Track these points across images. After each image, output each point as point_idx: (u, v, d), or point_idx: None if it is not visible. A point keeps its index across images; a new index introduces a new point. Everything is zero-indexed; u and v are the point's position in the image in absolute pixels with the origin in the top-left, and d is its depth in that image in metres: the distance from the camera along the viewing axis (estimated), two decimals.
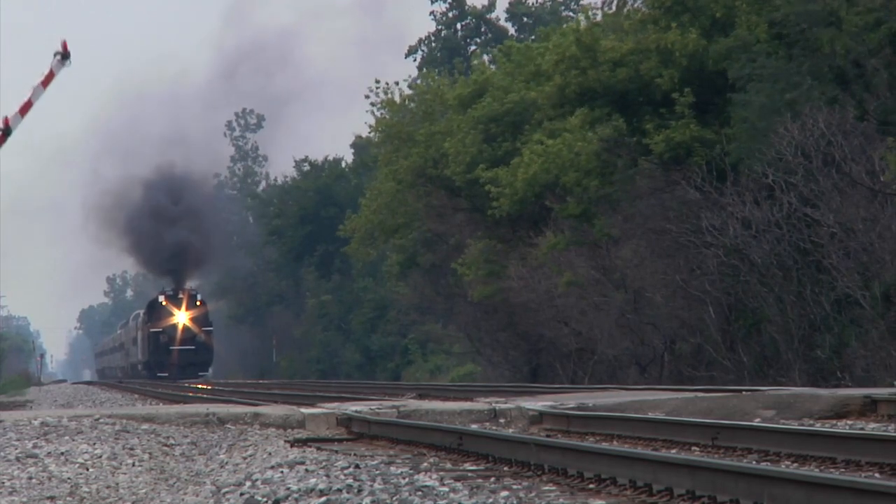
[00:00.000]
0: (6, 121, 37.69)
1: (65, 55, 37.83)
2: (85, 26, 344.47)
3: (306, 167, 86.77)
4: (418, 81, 56.36)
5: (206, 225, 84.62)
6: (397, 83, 53.32)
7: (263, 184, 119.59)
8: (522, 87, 44.86)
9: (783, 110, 30.03)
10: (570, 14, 74.15)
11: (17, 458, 12.66)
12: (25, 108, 38.03)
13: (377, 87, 52.21)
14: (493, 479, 10.09)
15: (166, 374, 71.96)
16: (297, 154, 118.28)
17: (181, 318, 75.13)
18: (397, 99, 52.13)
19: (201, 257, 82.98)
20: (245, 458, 13.05)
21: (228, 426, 16.40)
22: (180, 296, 76.21)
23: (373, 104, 52.20)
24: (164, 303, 76.05)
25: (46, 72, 38.48)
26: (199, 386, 50.05)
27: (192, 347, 74.68)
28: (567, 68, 36.74)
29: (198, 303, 76.39)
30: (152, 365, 75.42)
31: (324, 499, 9.18)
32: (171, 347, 74.43)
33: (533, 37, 63.59)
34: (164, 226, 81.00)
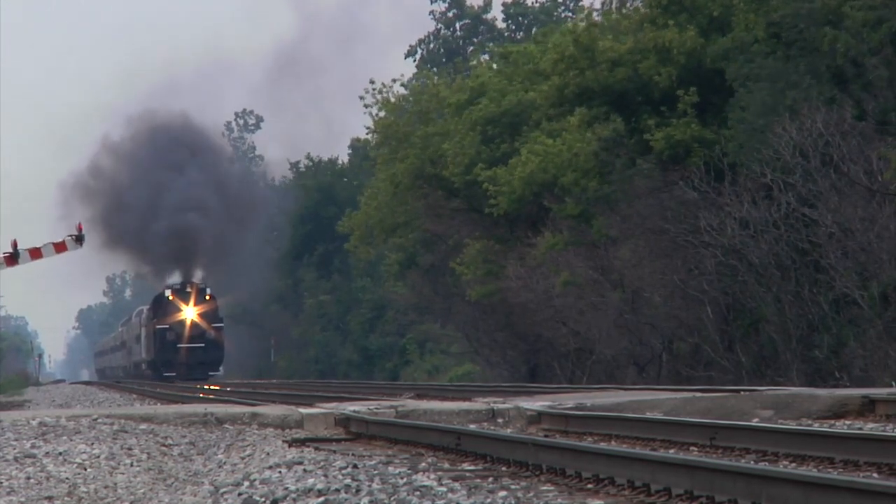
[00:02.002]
0: (14, 243, 38.51)
1: (79, 237, 38.91)
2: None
3: (301, 168, 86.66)
4: (414, 81, 56.31)
5: (223, 197, 74.52)
6: (394, 82, 53.25)
7: (261, 184, 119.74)
8: (520, 88, 44.90)
9: (781, 110, 30.02)
10: (569, 14, 74.20)
11: (16, 458, 12.65)
12: (35, 254, 38.81)
13: (373, 88, 52.05)
14: (491, 479, 10.09)
15: (174, 374, 67.25)
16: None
17: (190, 313, 69.31)
18: (392, 98, 52.02)
19: (214, 243, 73.92)
20: (243, 458, 13.04)
21: (226, 426, 16.39)
22: (188, 290, 70.19)
23: (367, 106, 52.05)
24: (170, 297, 70.08)
25: (59, 241, 39.54)
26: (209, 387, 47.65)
27: (202, 345, 68.95)
28: (566, 68, 36.75)
29: (207, 297, 70.22)
30: (158, 364, 70.37)
31: (322, 499, 9.18)
32: (179, 345, 68.77)
33: (530, 38, 63.61)
34: (168, 203, 72.15)
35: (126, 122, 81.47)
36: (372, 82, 52.07)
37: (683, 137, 33.82)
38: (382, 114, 51.41)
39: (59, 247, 39.00)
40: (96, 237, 76.81)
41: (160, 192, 73.16)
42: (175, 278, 73.60)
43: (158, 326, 69.98)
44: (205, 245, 73.48)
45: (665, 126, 34.23)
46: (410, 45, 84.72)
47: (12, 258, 37.91)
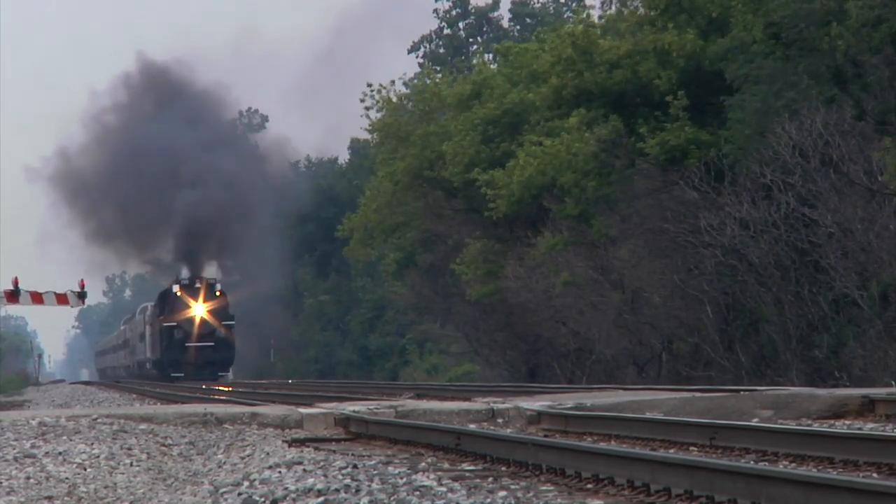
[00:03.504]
0: (15, 281, 38.95)
1: (81, 294, 39.44)
2: None
3: (302, 168, 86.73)
4: (416, 81, 56.32)
5: (238, 177, 69.34)
6: (393, 82, 53.23)
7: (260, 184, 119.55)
8: (521, 88, 44.90)
9: (780, 110, 30.03)
10: (572, 15, 74.24)
11: (15, 458, 12.65)
12: (37, 298, 39.27)
13: (371, 90, 51.88)
14: (490, 479, 10.09)
15: (181, 375, 63.37)
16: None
17: (199, 310, 65.03)
18: (394, 98, 52.01)
19: (228, 233, 68.69)
20: (243, 458, 13.04)
21: (226, 426, 16.38)
22: (197, 285, 65.71)
23: (367, 108, 51.93)
24: (178, 293, 65.66)
25: (62, 293, 40.00)
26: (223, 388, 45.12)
27: (211, 344, 64.92)
28: (564, 70, 36.75)
29: (217, 293, 65.92)
30: (165, 364, 66.44)
31: (322, 499, 9.18)
32: (188, 344, 64.70)
33: (532, 37, 63.65)
34: (175, 179, 67.08)
35: (125, 82, 75.90)
36: (369, 85, 51.89)
37: (678, 142, 33.80)
38: (379, 115, 51.41)
39: (61, 298, 39.51)
40: (87, 231, 72.63)
41: (170, 176, 68.11)
42: (182, 273, 69.30)
43: (165, 324, 66.31)
44: (216, 236, 69.00)
45: (660, 131, 34.22)
46: (413, 42, 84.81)
47: (13, 296, 38.46)
